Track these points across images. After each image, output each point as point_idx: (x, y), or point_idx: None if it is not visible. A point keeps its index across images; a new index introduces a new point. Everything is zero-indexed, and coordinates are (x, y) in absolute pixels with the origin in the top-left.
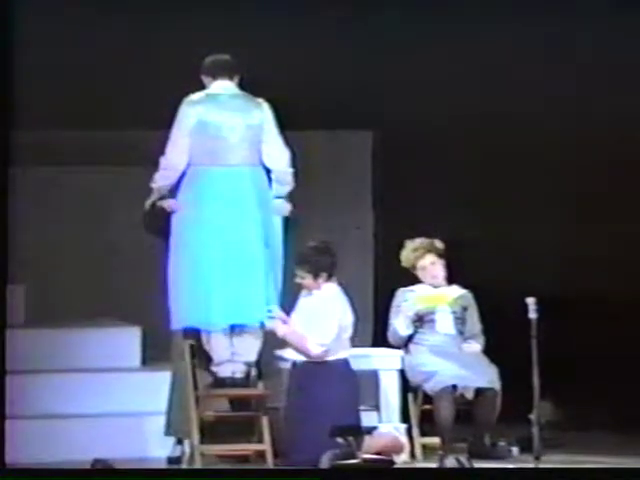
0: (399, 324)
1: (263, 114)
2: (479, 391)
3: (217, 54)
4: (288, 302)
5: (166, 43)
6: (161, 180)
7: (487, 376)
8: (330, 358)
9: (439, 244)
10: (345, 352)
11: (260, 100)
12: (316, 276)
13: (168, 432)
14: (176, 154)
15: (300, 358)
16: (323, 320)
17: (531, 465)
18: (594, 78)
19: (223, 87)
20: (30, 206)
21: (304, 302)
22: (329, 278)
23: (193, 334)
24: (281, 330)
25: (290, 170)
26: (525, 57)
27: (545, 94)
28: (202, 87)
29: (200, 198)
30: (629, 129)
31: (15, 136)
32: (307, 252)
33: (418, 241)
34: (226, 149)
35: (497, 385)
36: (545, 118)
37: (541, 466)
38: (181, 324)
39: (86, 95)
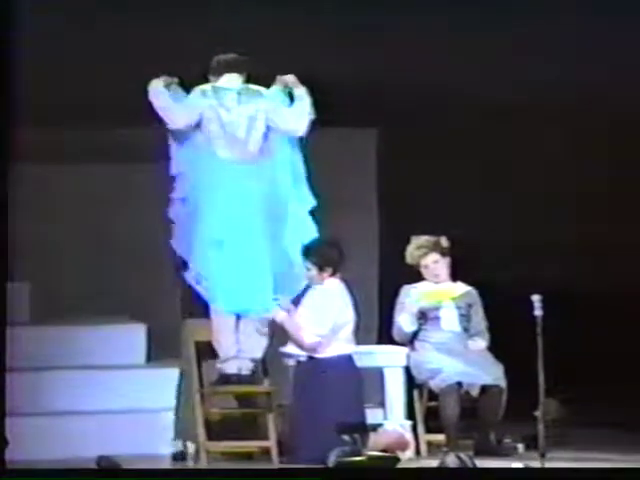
0: (403, 321)
1: (268, 102)
2: (484, 388)
3: (223, 53)
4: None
5: (167, 42)
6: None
7: (492, 373)
8: (327, 354)
9: (444, 242)
10: (345, 348)
11: (264, 90)
12: (321, 269)
13: (177, 435)
14: (180, 117)
15: (303, 353)
16: (320, 312)
17: (537, 462)
18: (598, 76)
19: (229, 81)
20: (34, 204)
21: (307, 296)
22: (333, 273)
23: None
24: (280, 316)
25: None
26: (530, 52)
27: (547, 94)
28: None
29: (211, 190)
30: (631, 129)
31: (18, 134)
32: (315, 244)
33: (423, 239)
34: (234, 145)
35: (502, 382)
36: (548, 117)
37: (547, 465)
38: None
39: (87, 93)
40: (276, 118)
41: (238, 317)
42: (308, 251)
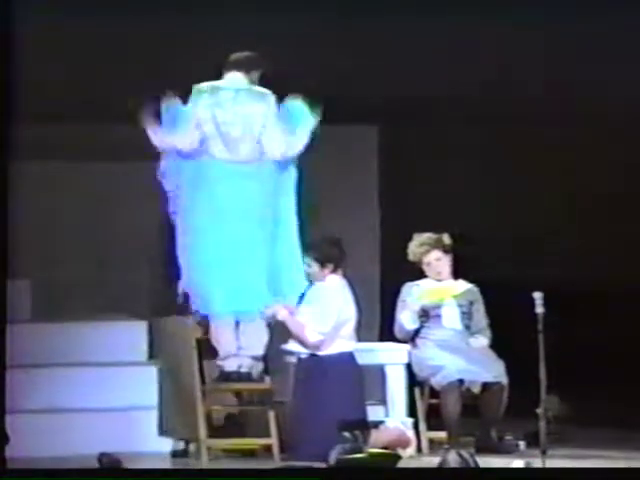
0: (405, 318)
1: (266, 107)
2: (486, 385)
3: (231, 52)
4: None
5: (166, 39)
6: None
7: (494, 370)
8: (329, 351)
9: (447, 239)
10: (346, 345)
11: (266, 92)
12: (323, 266)
13: (162, 431)
14: (182, 143)
15: (305, 351)
16: (322, 309)
17: (538, 459)
18: (598, 74)
19: (232, 80)
20: (34, 202)
21: (308, 293)
22: (335, 270)
23: (201, 323)
24: (282, 314)
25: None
26: (531, 49)
27: (547, 93)
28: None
29: (205, 190)
30: (632, 128)
31: (17, 132)
32: (317, 241)
33: (425, 236)
34: (229, 144)
35: (504, 379)
36: (549, 115)
37: (548, 462)
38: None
39: (87, 91)
40: (266, 135)
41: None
42: (309, 247)
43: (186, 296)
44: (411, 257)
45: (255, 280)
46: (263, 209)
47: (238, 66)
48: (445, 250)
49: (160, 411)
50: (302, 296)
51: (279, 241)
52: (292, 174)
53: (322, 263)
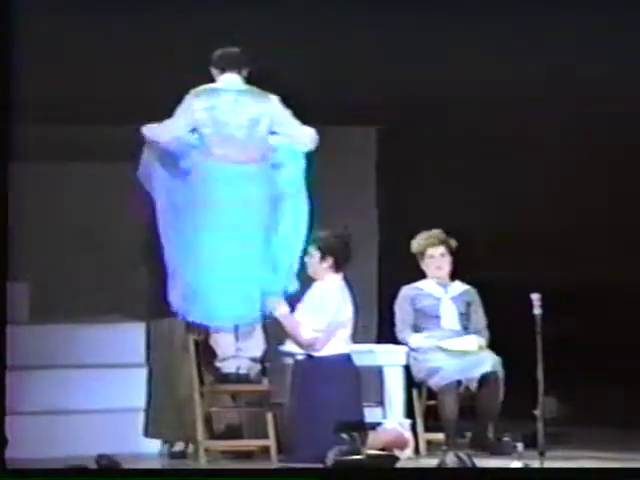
0: (406, 333)
1: (272, 107)
2: (483, 380)
3: (227, 47)
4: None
5: (166, 39)
6: (148, 139)
7: (490, 361)
8: (325, 352)
9: (452, 241)
10: (343, 347)
11: (268, 93)
12: (322, 257)
13: (148, 433)
14: (166, 132)
15: (301, 352)
16: (319, 308)
17: (536, 461)
18: (596, 75)
19: (230, 82)
20: (34, 203)
21: (307, 293)
22: (336, 268)
23: (198, 329)
24: (280, 311)
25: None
26: (529, 51)
27: (547, 90)
28: (204, 82)
29: (206, 193)
30: (630, 126)
31: (17, 132)
32: (321, 232)
33: (433, 231)
34: (232, 146)
35: (499, 368)
36: (547, 115)
37: (546, 464)
38: (187, 318)
39: (87, 91)
40: (283, 127)
41: None
42: (314, 236)
43: (182, 300)
44: (415, 248)
45: (255, 285)
46: (265, 211)
47: (230, 66)
48: (450, 249)
49: (152, 413)
50: (301, 296)
51: (281, 243)
52: (300, 177)
53: (323, 254)
